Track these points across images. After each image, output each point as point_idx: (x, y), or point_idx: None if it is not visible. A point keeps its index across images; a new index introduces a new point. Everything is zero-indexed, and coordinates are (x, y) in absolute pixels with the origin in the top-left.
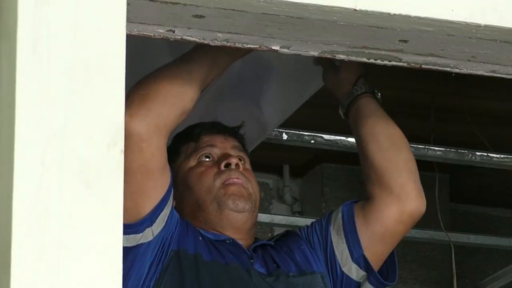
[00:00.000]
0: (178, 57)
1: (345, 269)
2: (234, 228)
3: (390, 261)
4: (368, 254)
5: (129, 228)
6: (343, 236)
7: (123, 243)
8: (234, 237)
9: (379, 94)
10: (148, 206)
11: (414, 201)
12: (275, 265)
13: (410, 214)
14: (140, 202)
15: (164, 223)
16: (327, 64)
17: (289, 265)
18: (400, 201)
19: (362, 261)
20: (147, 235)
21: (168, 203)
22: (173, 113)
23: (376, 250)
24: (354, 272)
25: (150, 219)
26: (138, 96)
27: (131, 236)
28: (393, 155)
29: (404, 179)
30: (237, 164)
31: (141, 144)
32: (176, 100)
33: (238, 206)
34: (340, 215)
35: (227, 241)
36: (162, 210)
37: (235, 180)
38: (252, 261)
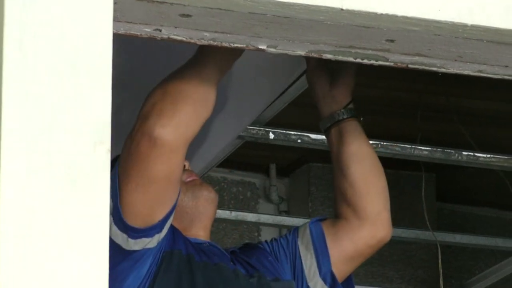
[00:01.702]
0: (190, 61)
1: (311, 284)
2: (207, 217)
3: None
4: (335, 270)
5: (138, 232)
6: (312, 250)
7: (131, 247)
8: (209, 240)
9: (362, 120)
10: (161, 214)
11: (386, 229)
12: (251, 267)
13: (379, 240)
14: (156, 209)
15: (167, 230)
16: (316, 63)
17: (263, 271)
18: (374, 226)
19: (328, 277)
20: (154, 241)
21: (174, 212)
22: (200, 122)
23: (342, 268)
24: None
25: (160, 225)
26: (167, 105)
27: (140, 240)
28: (375, 179)
29: (381, 207)
30: (188, 166)
31: (171, 154)
32: (203, 110)
33: (212, 193)
34: (308, 231)
35: (204, 245)
36: (169, 218)
37: (195, 177)
38: (232, 262)
